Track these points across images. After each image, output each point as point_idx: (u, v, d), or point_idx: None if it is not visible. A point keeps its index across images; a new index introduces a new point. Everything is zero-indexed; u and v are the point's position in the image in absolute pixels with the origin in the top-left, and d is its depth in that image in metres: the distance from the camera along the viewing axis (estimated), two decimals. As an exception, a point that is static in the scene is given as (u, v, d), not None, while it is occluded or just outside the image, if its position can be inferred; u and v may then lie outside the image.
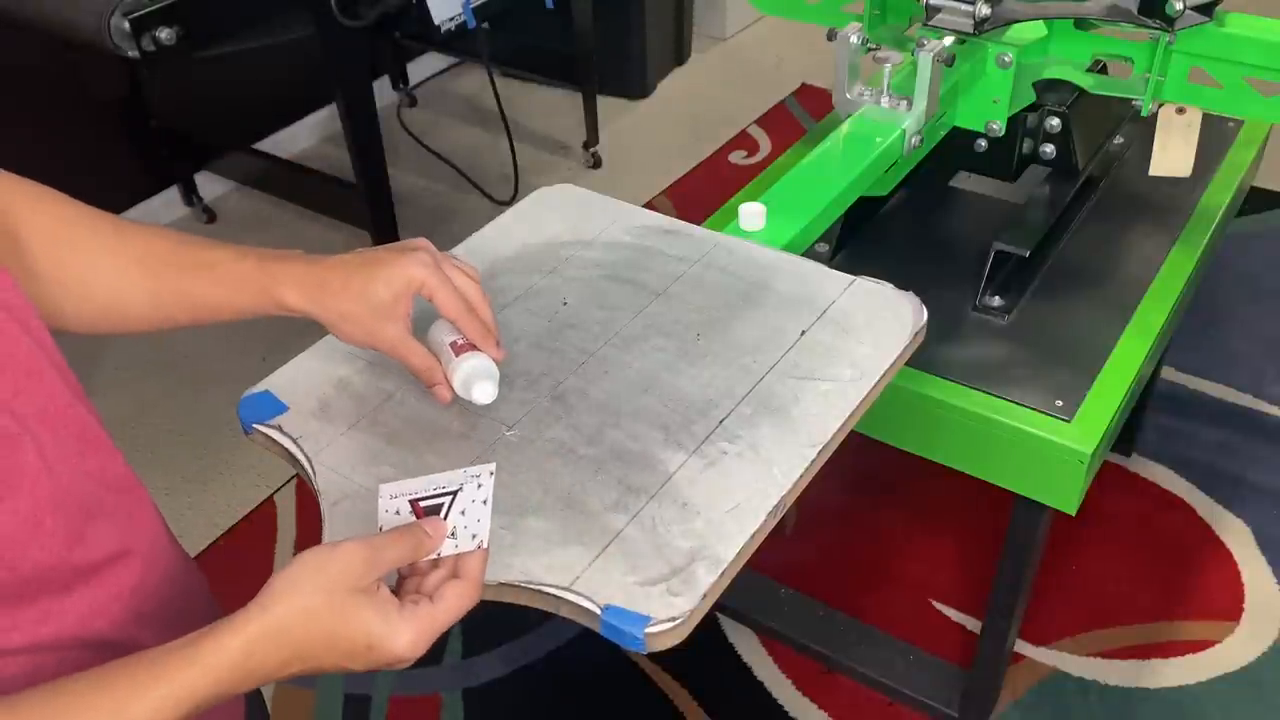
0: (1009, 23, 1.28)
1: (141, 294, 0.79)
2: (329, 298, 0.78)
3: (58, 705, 0.57)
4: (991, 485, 1.25)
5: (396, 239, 2.61)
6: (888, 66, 1.27)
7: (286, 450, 0.85)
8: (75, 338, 0.79)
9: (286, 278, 0.78)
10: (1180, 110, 1.36)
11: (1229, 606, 1.85)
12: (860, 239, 1.44)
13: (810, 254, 1.13)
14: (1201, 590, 1.88)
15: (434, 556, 0.67)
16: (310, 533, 2.06)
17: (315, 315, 0.79)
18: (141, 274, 0.78)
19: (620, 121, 3.31)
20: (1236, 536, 1.96)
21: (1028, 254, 1.32)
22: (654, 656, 1.75)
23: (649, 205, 2.76)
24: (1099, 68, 1.37)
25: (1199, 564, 1.92)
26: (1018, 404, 1.20)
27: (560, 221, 1.11)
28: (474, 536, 0.68)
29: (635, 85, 3.40)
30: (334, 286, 0.78)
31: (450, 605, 0.65)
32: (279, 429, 0.86)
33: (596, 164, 3.11)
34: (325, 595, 0.61)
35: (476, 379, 0.83)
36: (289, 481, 2.17)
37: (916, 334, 0.94)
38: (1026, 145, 1.43)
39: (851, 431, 0.86)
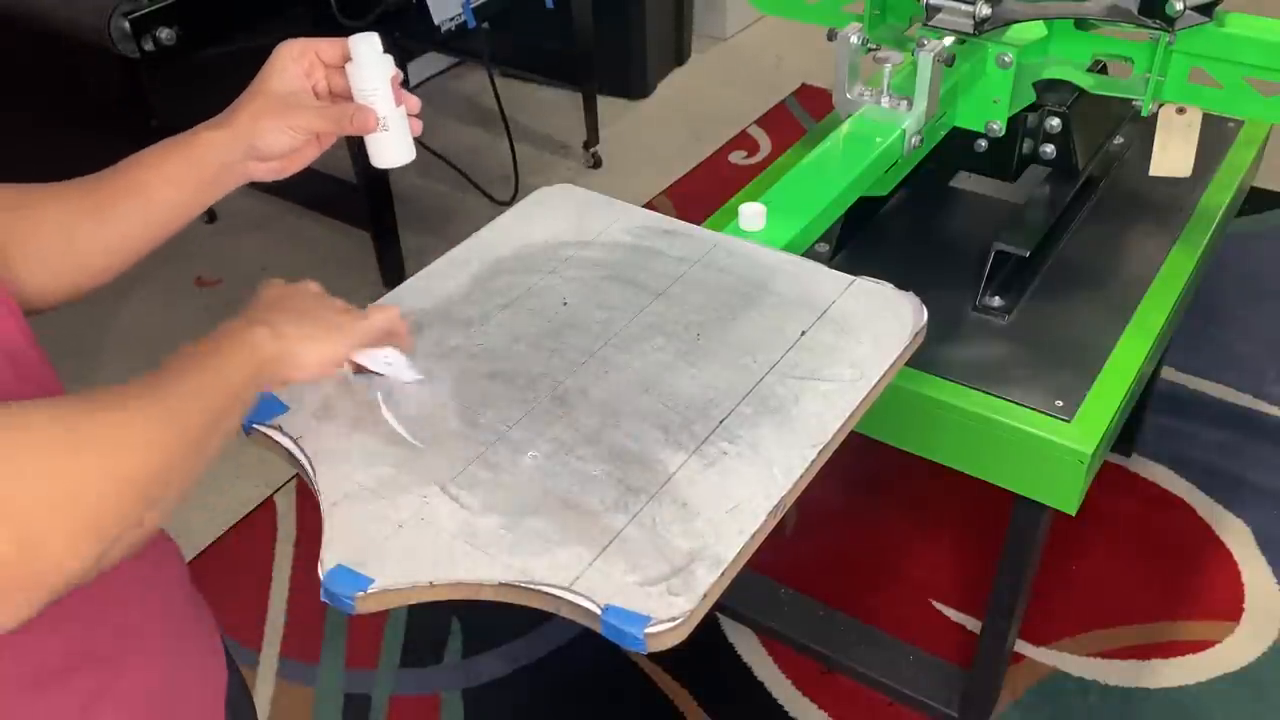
0: (1009, 23, 1.28)
1: (89, 220, 0.84)
2: (236, 117, 0.86)
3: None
4: (991, 485, 1.25)
5: (396, 239, 2.61)
6: (888, 66, 1.27)
7: (286, 450, 0.85)
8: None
9: (204, 129, 0.87)
10: (1180, 110, 1.36)
11: (1229, 606, 1.85)
12: (860, 239, 1.44)
13: (810, 254, 1.13)
14: (1201, 590, 1.88)
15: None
16: (310, 533, 2.06)
17: (238, 143, 0.86)
18: (81, 199, 0.84)
19: (620, 121, 3.31)
20: (1236, 536, 1.96)
21: (1028, 254, 1.32)
22: (654, 656, 1.75)
23: (649, 205, 2.76)
24: (1099, 68, 1.37)
25: (1199, 564, 1.92)
26: (1018, 404, 1.20)
27: (560, 221, 1.11)
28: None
29: (635, 85, 3.40)
30: (235, 108, 0.87)
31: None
32: (279, 429, 0.86)
33: (596, 164, 3.11)
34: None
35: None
36: (289, 481, 2.17)
37: (916, 334, 0.94)
38: (1026, 145, 1.43)
39: (851, 431, 0.86)
